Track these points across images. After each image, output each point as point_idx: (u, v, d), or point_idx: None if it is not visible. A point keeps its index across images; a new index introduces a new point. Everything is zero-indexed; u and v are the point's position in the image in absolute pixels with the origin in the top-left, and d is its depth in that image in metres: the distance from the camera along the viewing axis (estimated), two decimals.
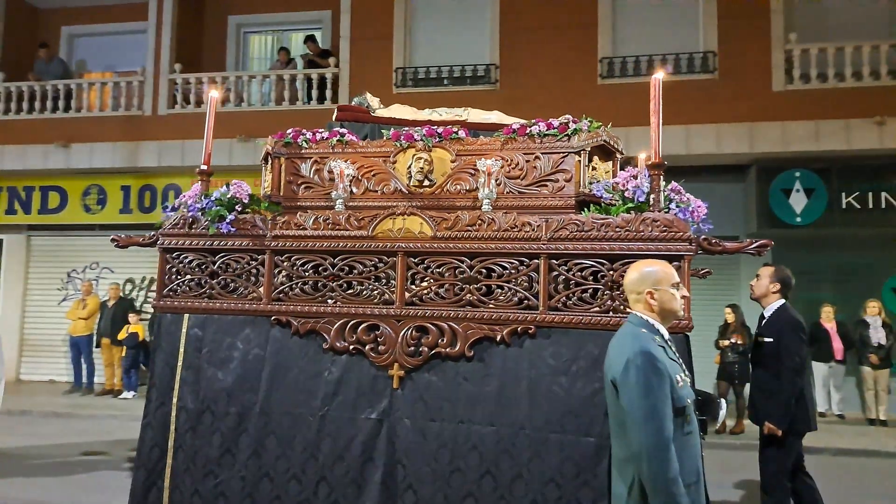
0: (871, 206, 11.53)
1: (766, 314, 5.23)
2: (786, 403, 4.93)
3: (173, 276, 4.57)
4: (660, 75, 3.93)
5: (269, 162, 4.85)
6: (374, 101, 5.29)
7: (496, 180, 4.24)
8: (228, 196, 4.46)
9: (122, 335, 12.46)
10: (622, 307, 3.84)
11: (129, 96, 13.82)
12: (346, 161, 4.47)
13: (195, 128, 12.80)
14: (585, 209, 4.16)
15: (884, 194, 11.48)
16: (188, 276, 4.53)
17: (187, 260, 4.54)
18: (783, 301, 5.17)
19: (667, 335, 2.90)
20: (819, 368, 10.96)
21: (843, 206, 11.59)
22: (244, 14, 14.97)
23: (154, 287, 12.89)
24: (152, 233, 4.67)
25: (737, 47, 11.51)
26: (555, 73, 11.98)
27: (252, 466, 4.22)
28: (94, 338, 13.00)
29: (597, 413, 3.77)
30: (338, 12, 13.41)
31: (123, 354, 12.57)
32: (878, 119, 10.77)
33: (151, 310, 11.80)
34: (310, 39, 13.79)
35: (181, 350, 4.45)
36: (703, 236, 3.87)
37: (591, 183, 4.27)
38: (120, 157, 13.63)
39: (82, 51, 15.81)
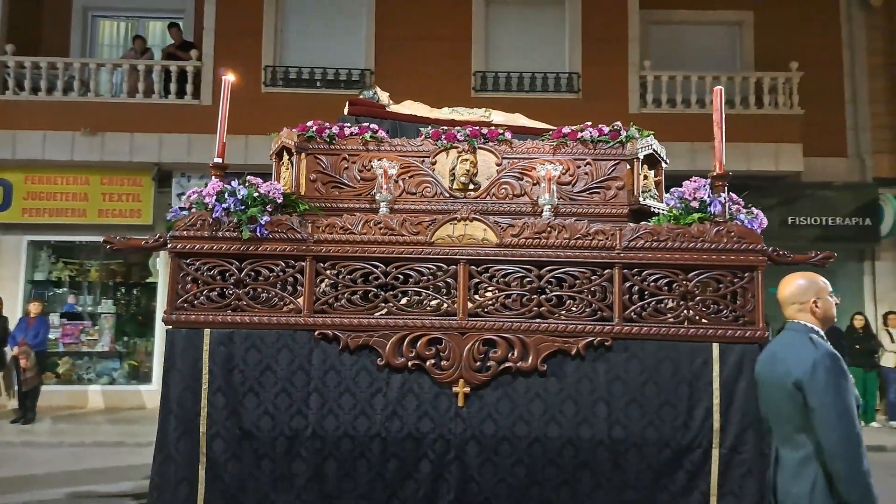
0: None
1: None
2: None
3: (188, 286, 4.13)
4: (719, 89, 4.16)
5: (284, 158, 4.53)
6: (383, 96, 5.09)
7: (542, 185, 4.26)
8: (258, 194, 4.11)
9: None
10: (697, 318, 4.00)
11: None
12: (387, 160, 4.28)
13: (30, 117, 11.72)
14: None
15: None
16: (208, 286, 4.11)
17: (206, 267, 4.12)
18: None
19: None
20: None
21: None
22: None
23: None
24: (158, 235, 4.19)
25: (598, 70, 12.28)
26: (430, 83, 11.92)
27: (313, 489, 3.93)
28: None
29: (676, 425, 3.90)
30: (202, 2, 12.71)
31: None
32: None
33: None
34: (174, 27, 12.90)
35: (205, 371, 4.02)
36: (770, 248, 4.12)
37: (644, 191, 4.40)
38: None
39: None
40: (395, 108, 5.02)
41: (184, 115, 12.10)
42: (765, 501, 3.83)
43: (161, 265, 12.56)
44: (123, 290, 12.95)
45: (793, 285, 3.13)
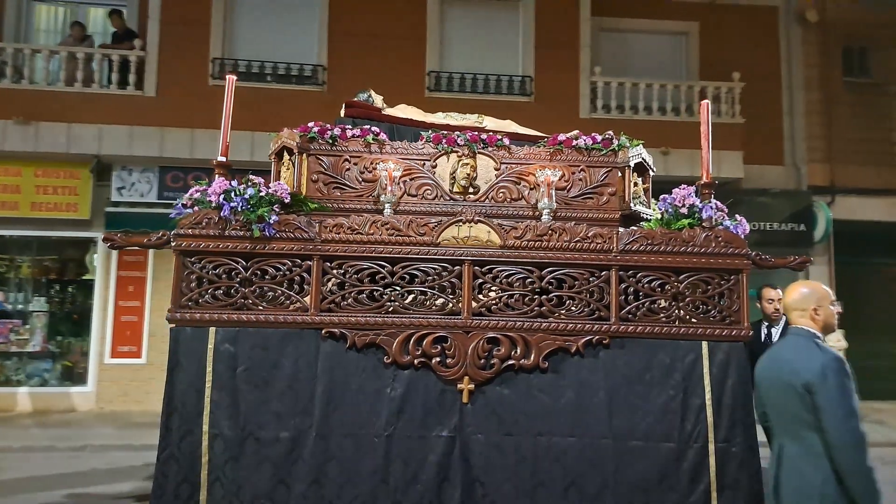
0: None
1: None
2: None
3: (192, 284, 4.18)
4: (706, 102, 4.46)
5: (285, 157, 4.62)
6: (378, 99, 5.22)
7: (542, 190, 4.49)
8: (265, 194, 4.19)
9: None
10: (688, 317, 4.29)
11: None
12: (392, 163, 4.42)
13: None
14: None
15: None
16: (214, 284, 4.17)
17: (212, 265, 4.18)
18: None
19: None
20: None
21: None
22: None
23: None
24: (161, 232, 4.23)
25: (551, 75, 12.62)
26: (384, 81, 11.87)
27: (312, 496, 4.00)
28: None
29: (674, 419, 4.17)
30: None
31: None
32: (664, 150, 12.29)
33: None
34: (115, 14, 12.61)
35: (209, 369, 4.08)
36: (753, 252, 4.44)
37: (634, 197, 4.67)
38: None
39: None
40: (390, 111, 5.15)
41: (126, 106, 11.84)
42: (753, 492, 4.14)
43: (99, 261, 12.30)
44: (58, 288, 12.57)
45: (796, 292, 3.43)
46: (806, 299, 3.38)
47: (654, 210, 4.77)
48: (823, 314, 3.35)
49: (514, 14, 13.06)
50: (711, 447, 4.15)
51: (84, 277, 12.57)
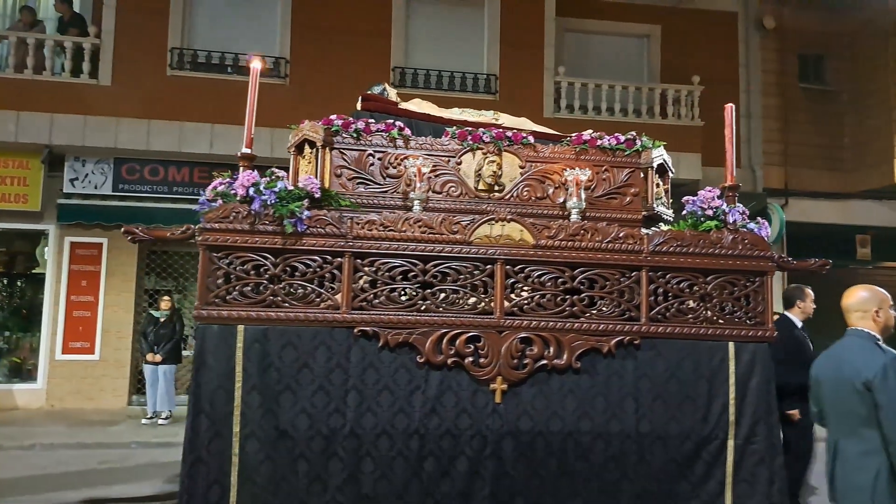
0: None
1: None
2: None
3: (219, 280, 4.04)
4: (731, 106, 4.54)
5: (305, 151, 4.51)
6: (392, 93, 5.15)
7: (571, 189, 4.50)
8: (293, 189, 4.09)
9: None
10: (714, 318, 4.36)
11: None
12: (419, 159, 4.37)
13: None
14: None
15: None
16: (242, 280, 4.04)
17: (240, 261, 4.05)
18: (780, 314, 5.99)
19: None
20: None
21: None
22: None
23: None
24: (185, 226, 4.08)
25: (515, 74, 12.72)
26: (347, 75, 11.90)
27: (349, 492, 3.95)
28: None
29: (697, 417, 4.25)
30: None
31: None
32: None
33: None
34: (64, 1, 12.14)
35: (238, 369, 3.96)
36: (777, 255, 4.54)
37: (656, 199, 4.73)
38: None
39: None
40: (405, 105, 5.09)
41: (79, 95, 11.45)
42: (774, 487, 4.25)
43: (50, 254, 11.86)
44: (6, 282, 12.12)
45: (857, 295, 3.55)
46: (867, 302, 3.51)
47: (670, 211, 4.84)
48: (884, 316, 3.50)
49: (479, 12, 13.08)
50: (731, 444, 4.24)
51: (34, 271, 12.19)
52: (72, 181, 11.87)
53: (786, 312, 6.01)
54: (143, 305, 12.44)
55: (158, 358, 10.50)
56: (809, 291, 6.03)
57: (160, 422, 10.53)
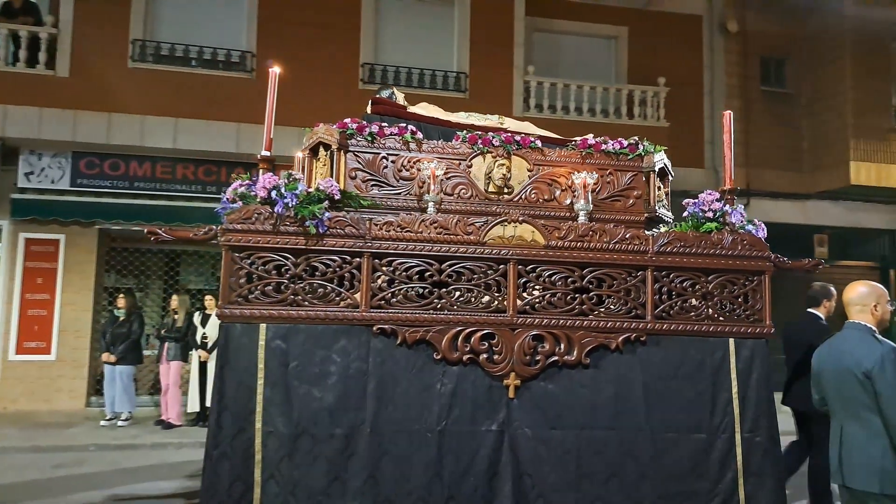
0: None
1: None
2: None
3: (242, 280, 4.17)
4: (729, 112, 4.84)
5: (320, 154, 4.66)
6: (400, 96, 5.31)
7: (578, 192, 4.74)
8: (314, 191, 4.23)
9: None
10: (715, 316, 4.64)
11: None
12: (433, 162, 4.56)
13: None
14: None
15: None
16: (264, 280, 4.17)
17: (262, 261, 4.18)
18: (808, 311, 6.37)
19: None
20: None
21: None
22: None
23: None
24: (207, 227, 4.19)
25: (485, 72, 12.94)
26: (316, 71, 12.10)
27: (369, 493, 4.09)
28: None
29: (704, 411, 4.50)
30: None
31: None
32: None
33: None
34: None
35: (260, 366, 4.09)
36: (773, 255, 4.84)
37: (658, 201, 5.00)
38: None
39: None
40: (413, 109, 5.24)
41: (35, 86, 11.29)
42: (777, 480, 4.55)
43: (4, 251, 11.67)
44: None
45: (857, 291, 3.86)
46: (867, 297, 3.84)
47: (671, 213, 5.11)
48: (881, 310, 3.82)
49: (449, 9, 13.26)
50: (738, 437, 4.51)
51: None
52: (27, 175, 11.70)
53: (811, 310, 6.34)
54: (102, 304, 12.32)
55: (113, 358, 10.38)
56: (834, 291, 6.32)
57: (119, 423, 10.41)
